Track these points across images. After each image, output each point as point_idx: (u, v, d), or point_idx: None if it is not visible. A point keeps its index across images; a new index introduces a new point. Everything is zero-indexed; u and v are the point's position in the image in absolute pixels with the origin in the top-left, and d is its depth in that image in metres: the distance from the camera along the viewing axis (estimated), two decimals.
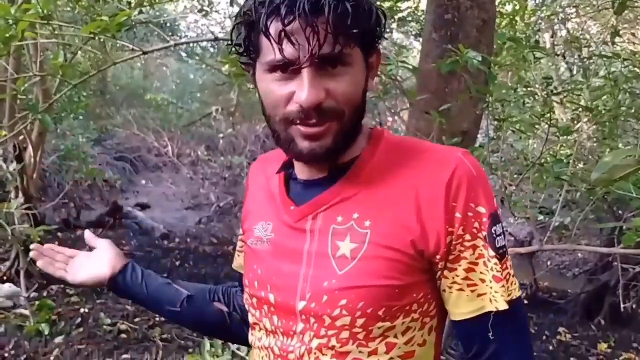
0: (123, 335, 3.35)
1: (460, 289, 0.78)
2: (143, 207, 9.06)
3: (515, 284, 0.80)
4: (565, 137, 2.45)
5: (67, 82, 2.36)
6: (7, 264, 4.12)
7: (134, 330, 3.42)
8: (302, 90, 0.72)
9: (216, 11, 8.98)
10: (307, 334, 0.79)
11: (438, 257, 0.77)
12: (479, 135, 3.05)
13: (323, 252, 0.79)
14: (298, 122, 0.75)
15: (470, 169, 0.77)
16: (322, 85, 0.73)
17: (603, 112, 3.11)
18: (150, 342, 3.29)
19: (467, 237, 0.76)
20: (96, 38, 2.03)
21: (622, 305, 3.74)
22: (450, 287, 0.79)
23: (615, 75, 3.02)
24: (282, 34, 0.70)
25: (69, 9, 4.15)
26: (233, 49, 0.80)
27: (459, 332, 0.82)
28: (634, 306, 4.48)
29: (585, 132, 4.52)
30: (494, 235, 0.77)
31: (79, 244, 6.02)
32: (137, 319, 3.61)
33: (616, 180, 0.78)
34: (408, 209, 0.76)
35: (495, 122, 2.50)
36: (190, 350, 3.17)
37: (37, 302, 3.55)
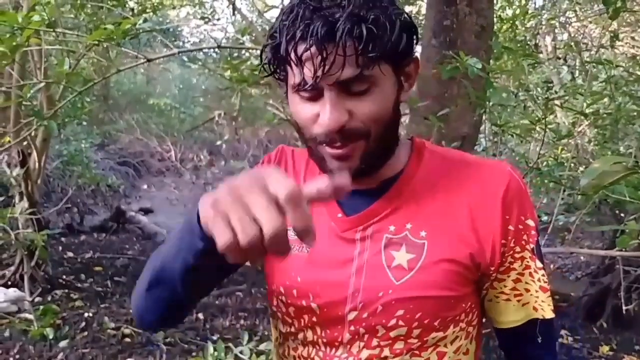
0: (127, 339, 3.37)
1: (508, 299, 0.80)
2: (146, 211, 9.08)
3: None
4: (564, 140, 2.47)
5: (72, 89, 2.40)
6: (12, 268, 4.14)
7: (138, 334, 3.44)
8: (324, 114, 0.72)
9: (218, 18, 9.03)
10: (356, 344, 0.78)
11: (492, 268, 0.78)
12: (481, 140, 3.08)
13: (376, 262, 0.78)
14: (325, 144, 0.75)
15: (520, 183, 0.80)
16: (345, 106, 0.72)
17: (604, 115, 3.13)
18: (154, 345, 3.31)
19: (517, 249, 0.79)
20: (100, 45, 2.06)
21: (624, 308, 3.73)
22: (497, 297, 0.81)
23: (616, 79, 3.04)
24: (302, 58, 0.70)
25: (72, 16, 4.19)
26: (263, 70, 0.78)
27: (503, 339, 0.85)
28: (636, 309, 4.47)
29: (587, 136, 4.54)
30: (540, 247, 0.81)
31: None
32: None
33: (606, 186, 0.80)
34: (463, 222, 0.77)
35: (494, 127, 2.52)
36: (194, 353, 3.19)
37: (41, 307, 3.57)
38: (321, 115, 0.73)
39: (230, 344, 2.62)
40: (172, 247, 0.76)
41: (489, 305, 0.83)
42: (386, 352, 0.77)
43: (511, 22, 4.56)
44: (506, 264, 0.79)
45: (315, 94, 0.73)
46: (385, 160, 0.80)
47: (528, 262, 0.79)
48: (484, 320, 0.87)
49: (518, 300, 0.80)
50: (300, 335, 0.83)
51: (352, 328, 0.78)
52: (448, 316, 0.78)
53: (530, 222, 0.79)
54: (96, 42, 2.05)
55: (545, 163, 3.18)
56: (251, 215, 0.51)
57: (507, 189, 0.78)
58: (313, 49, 0.68)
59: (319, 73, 0.69)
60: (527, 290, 0.80)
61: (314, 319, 0.81)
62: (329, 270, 0.80)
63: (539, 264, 0.80)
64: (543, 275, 0.80)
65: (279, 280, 0.85)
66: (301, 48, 0.69)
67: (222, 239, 0.51)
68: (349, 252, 0.80)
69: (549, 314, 0.80)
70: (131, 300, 0.88)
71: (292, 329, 0.84)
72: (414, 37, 0.76)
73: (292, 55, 0.70)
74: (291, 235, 0.82)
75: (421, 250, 0.77)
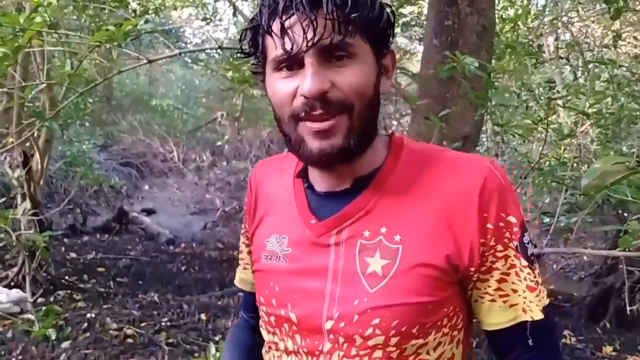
0: (129, 340, 3.37)
1: (492, 300, 0.77)
2: (149, 212, 9.10)
3: (544, 291, 0.79)
4: (566, 140, 2.46)
5: (74, 90, 2.40)
6: (15, 269, 4.15)
7: (140, 335, 3.44)
8: (305, 80, 0.70)
9: (220, 19, 9.04)
10: (336, 353, 0.76)
11: (472, 269, 0.75)
12: (483, 140, 3.07)
13: (351, 269, 0.76)
14: (304, 115, 0.72)
15: (500, 178, 0.76)
16: (326, 76, 0.71)
17: (607, 115, 3.12)
18: (156, 346, 3.31)
19: (499, 247, 0.75)
20: (102, 46, 2.07)
21: (627, 308, 3.72)
22: (482, 298, 0.78)
23: (618, 79, 3.03)
24: (282, 28, 0.70)
25: (74, 17, 4.19)
26: (242, 55, 0.80)
27: (492, 342, 0.81)
28: (639, 309, 4.46)
29: (589, 136, 4.53)
30: (525, 245, 0.77)
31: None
32: (143, 324, 3.63)
33: (607, 187, 0.80)
34: (438, 222, 0.74)
35: (496, 127, 2.52)
36: (196, 354, 3.19)
37: (44, 308, 3.58)
38: (301, 83, 0.71)
39: None
40: None
41: (475, 306, 0.80)
42: None
43: (513, 22, 4.56)
44: (487, 264, 0.75)
45: (295, 68, 0.72)
46: (364, 149, 0.77)
47: (512, 260, 0.76)
48: (474, 320, 0.83)
49: (504, 301, 0.77)
50: (282, 345, 0.82)
51: (331, 337, 0.76)
52: (427, 322, 0.74)
53: (513, 219, 0.76)
54: (98, 43, 2.06)
55: (547, 163, 3.18)
56: None
57: (484, 185, 0.74)
58: (295, 16, 0.69)
59: (308, 36, 0.69)
60: (515, 291, 0.76)
61: (294, 327, 0.80)
62: (305, 278, 0.79)
63: (525, 262, 0.76)
64: (529, 273, 0.77)
65: (260, 291, 0.85)
66: (285, 16, 0.69)
67: None
68: (324, 259, 0.78)
69: (538, 315, 0.76)
70: None
71: (275, 338, 0.84)
72: (392, 23, 0.76)
73: (274, 27, 0.71)
74: (270, 246, 0.85)
75: (395, 256, 0.74)
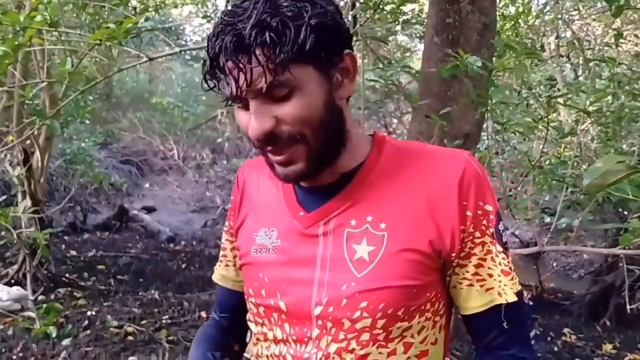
0: (130, 338, 3.38)
1: (470, 284, 0.81)
2: (149, 210, 9.11)
3: (516, 277, 0.83)
4: (567, 138, 2.46)
5: (74, 88, 2.40)
6: (15, 267, 4.16)
7: (141, 332, 3.45)
8: (251, 122, 0.74)
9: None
10: (324, 339, 0.79)
11: (453, 255, 0.79)
12: (484, 138, 3.07)
13: (339, 256, 0.79)
14: (259, 150, 0.77)
15: (477, 169, 0.81)
16: (270, 113, 0.73)
17: (607, 113, 3.12)
18: (156, 344, 3.31)
19: (477, 234, 0.80)
20: (103, 44, 2.06)
21: (627, 307, 3.72)
22: (460, 283, 0.82)
23: (619, 77, 3.03)
24: (222, 74, 0.72)
25: (75, 15, 4.19)
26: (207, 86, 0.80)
27: (470, 326, 0.85)
28: (639, 307, 4.47)
29: (590, 134, 4.53)
30: (500, 232, 0.82)
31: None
32: (143, 322, 3.63)
33: (608, 186, 0.80)
34: (421, 210, 0.79)
35: (496, 125, 2.52)
36: None
37: (44, 305, 3.58)
38: (248, 126, 0.75)
39: None
40: None
41: (453, 292, 0.83)
42: (353, 344, 0.78)
43: (514, 20, 4.55)
44: (466, 249, 0.80)
45: (246, 104, 0.75)
46: (335, 159, 0.80)
47: (489, 246, 0.80)
48: (453, 310, 0.88)
49: (481, 286, 0.81)
50: (271, 335, 0.85)
51: (319, 323, 0.79)
52: (412, 305, 0.78)
53: (489, 207, 0.80)
54: (98, 42, 2.06)
55: (548, 161, 3.18)
56: None
57: (462, 175, 0.79)
58: (230, 63, 0.70)
59: (240, 84, 0.71)
60: (490, 275, 0.81)
61: (283, 316, 0.83)
62: (294, 268, 0.82)
63: (500, 248, 0.81)
64: (504, 258, 0.81)
65: (249, 283, 0.88)
66: (221, 62, 0.71)
67: None
68: (312, 248, 0.81)
69: (512, 298, 0.80)
70: None
71: (264, 329, 0.86)
72: (335, 34, 0.75)
73: (217, 70, 0.73)
74: (260, 239, 0.87)
75: (381, 242, 0.78)
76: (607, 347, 4.10)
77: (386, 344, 0.78)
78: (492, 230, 0.80)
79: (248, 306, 0.90)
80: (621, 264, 3.88)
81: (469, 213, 0.79)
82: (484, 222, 0.80)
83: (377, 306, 0.77)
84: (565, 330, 4.46)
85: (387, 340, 0.78)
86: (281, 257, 0.84)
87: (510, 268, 0.81)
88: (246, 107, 0.75)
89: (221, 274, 1.01)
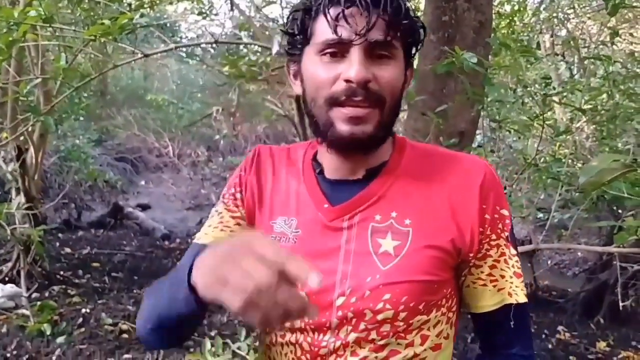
0: (125, 335, 3.37)
1: (484, 285, 0.86)
2: (144, 207, 9.07)
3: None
4: (562, 137, 2.47)
5: (69, 84, 2.39)
6: (9, 264, 4.13)
7: (135, 330, 3.44)
8: (351, 67, 0.76)
9: (216, 14, 9.00)
10: (344, 328, 0.81)
11: (471, 255, 0.84)
12: (478, 136, 3.07)
13: (363, 250, 0.82)
14: (344, 98, 0.78)
15: (495, 176, 0.86)
16: (369, 68, 0.77)
17: (602, 112, 3.13)
18: None
19: (493, 237, 0.84)
20: (97, 40, 2.05)
21: (621, 304, 3.74)
22: (474, 283, 0.86)
23: (614, 76, 3.04)
24: (340, 15, 0.76)
25: (69, 11, 4.16)
26: (284, 33, 0.86)
27: (479, 324, 0.90)
28: (633, 305, 4.49)
29: (585, 132, 4.54)
30: (514, 236, 0.87)
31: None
32: None
33: (604, 184, 0.81)
34: (443, 209, 0.83)
35: (492, 123, 2.52)
36: (191, 349, 3.18)
37: (39, 303, 3.56)
38: (345, 71, 0.77)
39: (228, 340, 2.61)
40: (164, 303, 0.80)
41: (467, 291, 0.88)
42: (373, 334, 0.80)
43: (510, 18, 4.56)
44: (483, 251, 0.84)
45: (339, 56, 0.78)
46: (382, 143, 0.85)
47: (503, 249, 0.85)
48: (461, 309, 0.92)
49: (494, 286, 0.85)
50: (288, 323, 0.84)
51: (339, 313, 0.81)
52: (431, 300, 0.82)
53: (505, 212, 0.85)
54: (93, 38, 2.04)
55: (543, 159, 3.18)
56: (248, 275, 0.54)
57: (484, 180, 0.84)
58: (354, 8, 0.75)
59: (364, 29, 0.75)
60: (502, 277, 0.85)
61: None
62: (316, 258, 0.83)
63: (513, 251, 0.86)
64: (517, 261, 0.86)
65: None
66: (345, 6, 0.76)
67: (234, 304, 0.55)
68: (336, 240, 0.84)
69: (522, 299, 0.85)
70: (137, 328, 0.91)
71: None
72: (422, 40, 0.85)
73: (334, 11, 0.76)
74: (278, 227, 0.88)
75: (406, 237, 0.81)
76: (601, 345, 4.12)
77: (405, 335, 0.81)
78: (506, 233, 0.85)
79: None
80: (615, 262, 3.90)
81: (487, 216, 0.83)
82: (500, 225, 0.84)
83: (400, 299, 0.79)
84: (560, 327, 4.48)
85: (406, 332, 0.81)
86: (302, 247, 0.85)
87: (520, 270, 0.86)
88: (335, 60, 0.78)
89: (214, 236, 0.94)
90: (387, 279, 0.80)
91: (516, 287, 0.85)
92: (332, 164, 0.88)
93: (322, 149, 0.88)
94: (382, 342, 0.80)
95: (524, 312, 0.87)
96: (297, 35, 0.83)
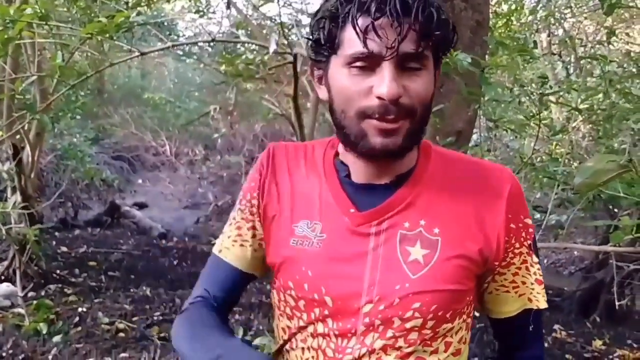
0: (121, 334, 3.36)
1: (507, 291, 0.88)
2: (141, 206, 9.07)
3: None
4: (558, 136, 2.47)
5: (65, 83, 2.38)
6: (5, 263, 4.12)
7: (132, 329, 3.43)
8: (382, 83, 0.74)
9: (213, 12, 8.99)
10: (370, 335, 0.80)
11: (497, 263, 0.85)
12: (474, 135, 3.08)
13: (392, 257, 0.81)
14: (376, 116, 0.76)
15: (520, 186, 0.87)
16: (401, 82, 0.75)
17: (599, 111, 3.14)
18: (148, 340, 3.30)
19: (517, 245, 0.85)
20: (94, 38, 2.05)
21: (617, 303, 3.76)
22: (497, 290, 0.88)
23: (610, 75, 3.04)
24: (370, 27, 0.72)
25: (65, 9, 4.15)
26: (309, 40, 0.82)
27: (499, 328, 0.93)
28: (628, 304, 4.51)
29: (581, 131, 4.55)
30: (536, 244, 0.89)
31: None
32: (135, 318, 3.62)
33: (600, 185, 0.81)
34: (470, 218, 0.83)
35: (489, 122, 2.53)
36: None
37: (35, 302, 3.55)
38: (377, 86, 0.74)
39: None
40: None
41: (489, 298, 0.89)
42: (400, 342, 0.80)
43: (507, 17, 4.57)
44: (507, 259, 0.85)
45: (368, 68, 0.75)
46: (411, 150, 0.83)
47: (525, 257, 0.86)
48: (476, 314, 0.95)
49: (516, 292, 0.87)
50: (311, 328, 0.84)
51: (366, 320, 0.80)
52: (457, 308, 0.83)
53: (528, 221, 0.86)
54: (90, 36, 2.04)
55: (539, 158, 3.19)
56: None
57: (510, 189, 0.84)
58: (384, 19, 0.72)
59: (394, 44, 0.72)
60: (524, 283, 0.87)
61: (326, 311, 0.82)
62: (342, 264, 0.82)
63: (535, 259, 0.88)
64: (538, 269, 0.88)
65: (287, 276, 0.85)
66: (375, 17, 0.72)
67: None
68: (362, 246, 0.82)
69: (543, 304, 0.88)
70: (176, 346, 0.87)
71: (301, 322, 0.85)
72: (453, 45, 0.82)
73: (362, 21, 0.73)
74: (301, 231, 0.86)
75: (436, 246, 0.81)
76: (597, 343, 4.13)
77: (431, 343, 0.82)
78: (529, 242, 0.86)
79: (281, 298, 0.87)
80: (611, 261, 3.92)
81: (512, 225, 0.84)
82: (523, 234, 0.85)
83: (429, 307, 0.79)
84: (556, 326, 4.49)
85: (432, 340, 0.82)
86: (327, 252, 0.83)
87: (542, 277, 0.88)
88: (364, 73, 0.75)
89: (236, 254, 0.93)
90: (417, 287, 0.79)
91: (537, 293, 0.88)
92: (360, 169, 0.86)
93: (346, 152, 0.86)
94: (408, 350, 0.80)
95: (541, 317, 0.90)
96: (324, 44, 0.79)
